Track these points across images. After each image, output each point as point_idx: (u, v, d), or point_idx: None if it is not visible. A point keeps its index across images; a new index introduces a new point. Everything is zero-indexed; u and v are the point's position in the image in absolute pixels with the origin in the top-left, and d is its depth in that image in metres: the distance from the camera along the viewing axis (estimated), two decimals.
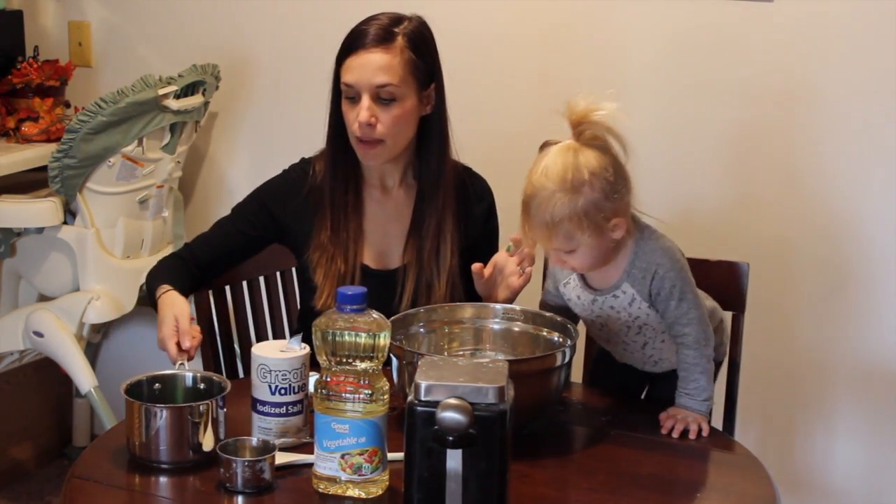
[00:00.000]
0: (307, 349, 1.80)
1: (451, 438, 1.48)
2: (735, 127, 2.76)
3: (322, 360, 1.66)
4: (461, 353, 2.06)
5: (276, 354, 1.79)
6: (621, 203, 1.89)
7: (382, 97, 2.11)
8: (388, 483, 1.68)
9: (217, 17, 3.23)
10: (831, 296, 2.74)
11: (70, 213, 2.93)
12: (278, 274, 2.48)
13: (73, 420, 3.49)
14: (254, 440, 1.74)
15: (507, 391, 1.53)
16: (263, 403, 1.79)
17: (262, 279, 2.46)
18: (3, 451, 3.34)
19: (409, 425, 1.52)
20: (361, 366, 1.64)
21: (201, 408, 1.74)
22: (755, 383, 2.57)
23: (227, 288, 2.39)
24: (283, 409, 1.78)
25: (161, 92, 2.86)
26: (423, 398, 1.51)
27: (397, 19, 2.14)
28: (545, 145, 1.92)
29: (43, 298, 3.09)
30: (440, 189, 2.21)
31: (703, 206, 2.81)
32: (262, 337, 2.44)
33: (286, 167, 2.28)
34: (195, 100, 3.00)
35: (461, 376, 1.53)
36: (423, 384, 1.51)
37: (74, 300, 2.95)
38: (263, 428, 1.79)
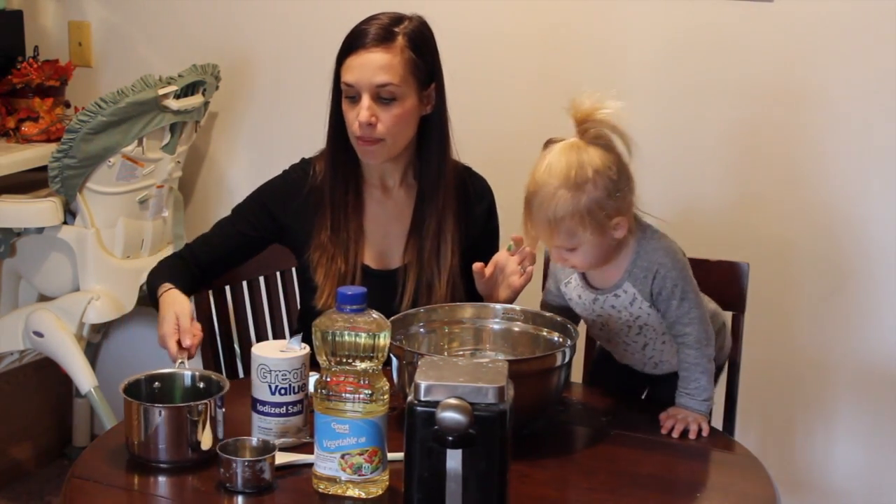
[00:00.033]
0: (307, 349, 1.80)
1: (451, 438, 1.48)
2: (735, 127, 2.76)
3: (322, 360, 1.66)
4: (461, 353, 2.06)
5: (276, 354, 1.79)
6: (624, 202, 1.90)
7: (383, 97, 2.11)
8: (388, 483, 1.68)
9: (217, 17, 3.23)
10: (831, 296, 2.74)
11: (70, 213, 2.93)
12: (278, 274, 2.48)
13: (73, 420, 3.49)
14: (254, 440, 1.74)
15: (507, 391, 1.53)
16: (263, 403, 1.79)
17: (262, 279, 2.46)
18: (3, 451, 3.34)
19: (409, 425, 1.52)
20: (361, 366, 1.64)
21: (200, 407, 1.74)
22: (755, 383, 2.56)
23: (227, 288, 2.39)
24: (283, 409, 1.78)
25: (161, 92, 2.86)
26: (423, 398, 1.51)
27: (398, 19, 2.14)
28: (549, 143, 1.93)
29: (43, 298, 3.09)
30: (440, 189, 2.21)
31: (703, 205, 2.81)
32: (262, 337, 2.44)
33: (286, 167, 2.28)
34: (195, 100, 3.00)
35: (461, 376, 1.53)
36: (423, 384, 1.51)
37: (74, 300, 2.95)
38: (263, 428, 1.79)
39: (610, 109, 1.87)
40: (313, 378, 1.75)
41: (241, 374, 2.39)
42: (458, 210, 2.24)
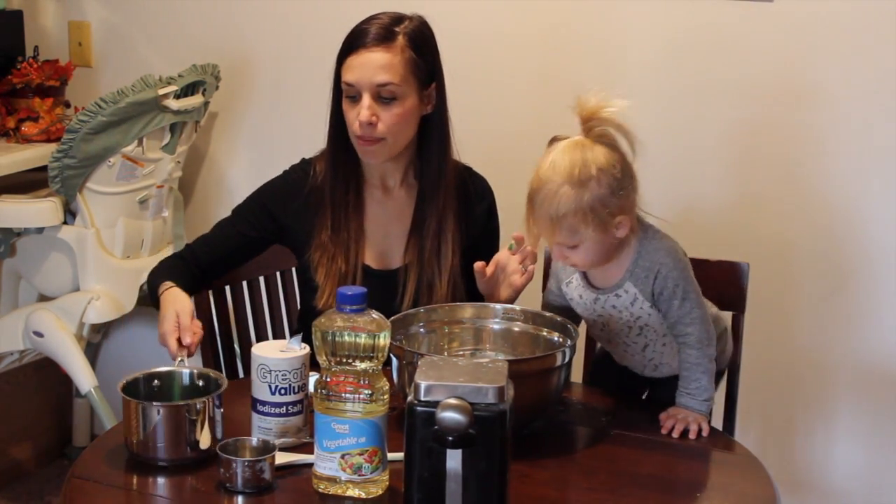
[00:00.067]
0: (307, 349, 1.80)
1: (451, 438, 1.48)
2: (735, 126, 2.76)
3: (322, 360, 1.66)
4: (461, 353, 2.06)
5: (276, 354, 1.79)
6: (627, 201, 1.90)
7: (383, 96, 2.11)
8: (388, 483, 1.68)
9: (217, 17, 3.23)
10: (832, 296, 2.74)
11: (70, 213, 2.93)
12: (278, 274, 2.48)
13: (73, 420, 3.49)
14: (254, 440, 1.74)
15: (507, 391, 1.53)
16: (263, 403, 1.79)
17: (262, 279, 2.46)
18: (3, 451, 3.34)
19: (409, 425, 1.52)
20: (361, 366, 1.64)
21: (198, 405, 1.74)
22: (755, 383, 2.57)
23: (227, 288, 2.39)
24: (283, 409, 1.78)
25: (161, 92, 2.86)
26: (423, 398, 1.51)
27: (398, 18, 2.14)
28: (554, 140, 1.93)
29: (43, 298, 3.09)
30: (441, 189, 2.21)
31: (703, 205, 2.81)
32: (262, 337, 2.44)
33: (286, 167, 2.28)
34: (195, 100, 3.00)
35: (461, 376, 1.53)
36: (423, 384, 1.51)
37: (74, 300, 2.95)
38: (263, 428, 1.79)
39: (615, 108, 1.88)
40: (313, 378, 1.75)
41: (241, 374, 2.39)
42: (459, 210, 2.24)
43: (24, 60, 3.15)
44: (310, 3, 3.11)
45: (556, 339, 1.99)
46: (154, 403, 1.74)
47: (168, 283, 2.13)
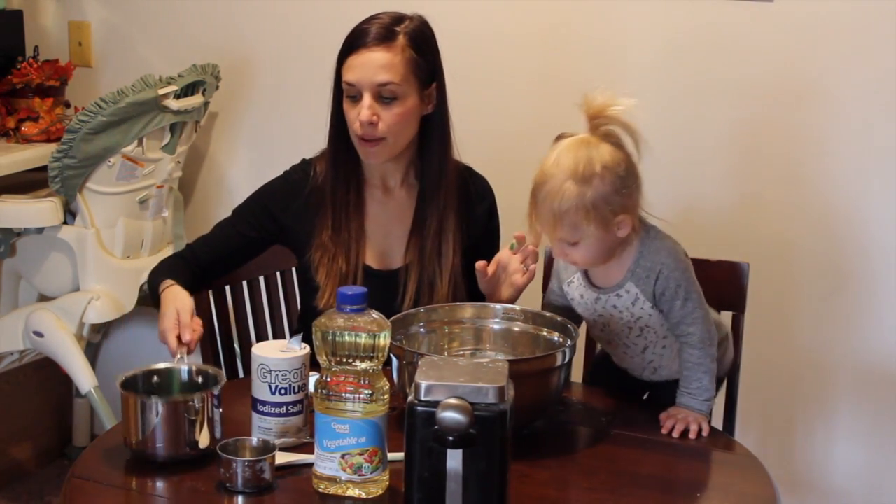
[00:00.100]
0: (307, 349, 1.80)
1: (451, 438, 1.48)
2: (735, 127, 2.76)
3: (322, 360, 1.66)
4: (461, 353, 2.06)
5: (276, 354, 1.79)
6: (630, 200, 1.90)
7: (384, 96, 2.11)
8: (388, 483, 1.68)
9: (217, 17, 3.23)
10: (832, 296, 2.74)
11: (70, 213, 2.93)
12: (278, 274, 2.48)
13: (73, 420, 3.49)
14: (254, 440, 1.74)
15: (507, 391, 1.53)
16: (263, 403, 1.79)
17: (262, 279, 2.46)
18: (3, 451, 3.34)
19: (409, 425, 1.52)
20: (361, 366, 1.64)
21: (196, 400, 1.74)
22: (755, 383, 2.56)
23: (227, 288, 2.39)
24: (283, 409, 1.78)
25: (161, 92, 2.86)
26: (423, 398, 1.51)
27: (399, 18, 2.14)
28: (560, 137, 1.94)
29: (43, 298, 3.09)
30: (442, 188, 2.21)
31: (703, 205, 2.81)
32: (262, 337, 2.44)
33: (286, 167, 2.28)
34: (195, 100, 3.00)
35: (461, 376, 1.53)
36: (423, 384, 1.51)
37: (74, 300, 2.95)
38: (263, 428, 1.79)
39: (622, 106, 1.89)
40: (313, 378, 1.75)
41: (241, 374, 2.39)
42: (460, 210, 2.24)
43: (24, 60, 3.15)
44: (310, 3, 3.11)
45: (556, 339, 1.99)
46: (152, 397, 1.74)
47: (169, 281, 2.13)
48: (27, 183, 2.99)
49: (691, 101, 2.78)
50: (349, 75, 2.12)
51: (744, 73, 2.72)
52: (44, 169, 2.88)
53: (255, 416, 1.80)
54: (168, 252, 3.02)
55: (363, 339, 1.63)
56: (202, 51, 3.17)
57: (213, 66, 3.08)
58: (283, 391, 1.78)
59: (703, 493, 1.79)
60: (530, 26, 2.89)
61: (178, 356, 1.94)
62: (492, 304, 2.09)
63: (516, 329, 2.05)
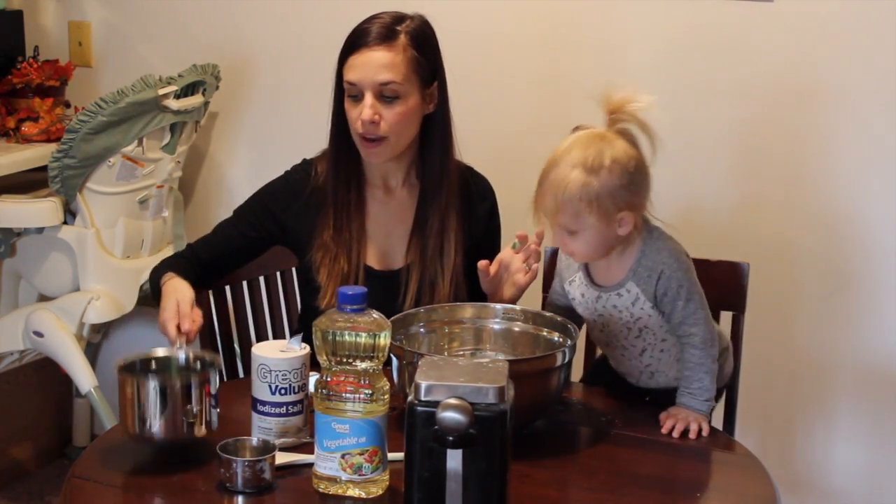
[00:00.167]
0: (307, 349, 1.80)
1: (451, 438, 1.48)
2: (735, 127, 2.76)
3: (322, 360, 1.66)
4: (461, 353, 2.06)
5: (276, 354, 1.79)
6: (635, 198, 1.91)
7: (386, 95, 2.11)
8: (388, 483, 1.68)
9: (217, 17, 3.23)
10: (832, 296, 2.74)
11: (70, 213, 2.93)
12: (278, 274, 2.48)
13: (73, 420, 3.49)
14: (254, 440, 1.74)
15: (507, 391, 1.53)
16: (263, 403, 1.78)
17: (262, 279, 2.46)
18: (3, 451, 3.34)
19: (409, 425, 1.52)
20: (362, 366, 1.64)
21: (192, 381, 1.74)
22: (755, 383, 2.56)
23: (227, 288, 2.39)
24: (283, 409, 1.78)
25: (161, 92, 2.86)
26: (423, 398, 1.51)
27: (400, 18, 2.15)
28: (577, 129, 1.95)
29: (43, 298, 3.09)
30: (443, 188, 2.21)
31: (703, 205, 2.81)
32: (262, 337, 2.44)
33: (286, 167, 2.28)
34: (195, 100, 3.00)
35: (461, 376, 1.53)
36: (423, 384, 1.51)
37: (74, 300, 2.95)
38: (263, 428, 1.79)
39: (641, 104, 1.90)
40: (313, 378, 1.75)
41: (241, 374, 2.39)
42: (462, 209, 2.24)
43: (24, 60, 3.15)
44: (310, 3, 3.11)
45: (556, 339, 1.99)
46: (149, 377, 1.75)
47: (170, 275, 2.14)
48: (27, 183, 2.99)
49: (691, 101, 2.78)
50: (351, 75, 2.12)
51: (744, 72, 2.72)
52: (44, 169, 2.88)
53: (255, 416, 1.80)
54: (168, 252, 3.02)
55: (363, 339, 1.63)
56: (202, 51, 3.17)
57: (213, 66, 3.08)
58: (283, 391, 1.78)
59: (703, 493, 1.79)
60: (530, 26, 2.89)
61: (178, 345, 1.94)
62: (492, 304, 2.09)
63: (516, 329, 2.05)
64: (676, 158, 2.78)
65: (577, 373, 2.24)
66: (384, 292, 2.13)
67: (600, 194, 1.87)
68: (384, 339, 1.65)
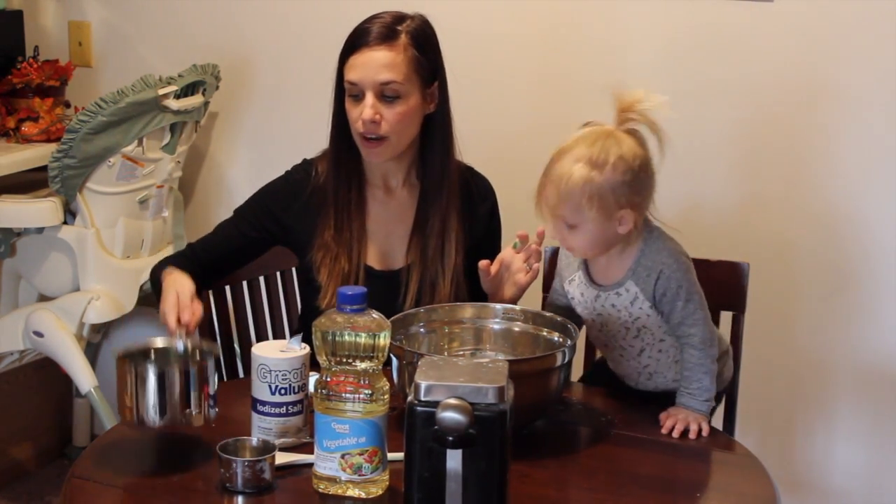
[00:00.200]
0: (307, 349, 1.80)
1: (451, 438, 1.48)
2: (735, 127, 2.76)
3: (322, 360, 1.66)
4: (461, 353, 2.06)
5: (276, 354, 1.79)
6: (637, 197, 1.91)
7: (386, 94, 2.11)
8: (388, 483, 1.68)
9: (217, 17, 3.23)
10: (832, 296, 2.74)
11: (70, 213, 2.93)
12: (278, 274, 2.48)
13: (73, 420, 3.49)
14: (254, 440, 1.74)
15: (507, 391, 1.53)
16: (263, 403, 1.78)
17: (262, 279, 2.46)
18: (3, 451, 3.34)
19: (409, 425, 1.52)
20: (361, 366, 1.64)
21: (190, 367, 1.74)
22: (755, 383, 2.56)
23: (227, 288, 2.39)
24: (283, 409, 1.78)
25: (161, 92, 2.86)
26: (423, 398, 1.51)
27: (400, 17, 2.15)
28: (587, 125, 1.96)
29: (43, 298, 3.09)
30: (444, 188, 2.21)
31: (703, 205, 2.81)
32: (262, 337, 2.44)
33: (287, 167, 2.28)
34: (195, 100, 3.00)
35: (461, 376, 1.53)
36: (423, 384, 1.51)
37: (74, 300, 2.95)
38: (263, 428, 1.79)
39: (652, 104, 1.91)
40: (313, 378, 1.75)
41: (241, 374, 2.39)
42: (462, 209, 2.24)
43: (24, 60, 3.15)
44: (310, 3, 3.11)
45: (556, 339, 1.99)
46: (148, 363, 1.75)
47: (171, 268, 2.14)
48: (27, 183, 2.99)
49: (691, 101, 2.78)
50: (351, 74, 2.12)
51: (744, 73, 2.72)
52: (44, 169, 2.88)
53: (255, 416, 1.80)
54: (168, 252, 3.02)
55: (363, 339, 1.63)
56: (202, 51, 3.17)
57: (213, 66, 3.08)
58: (283, 391, 1.78)
59: (703, 493, 1.79)
60: (530, 26, 2.89)
61: (177, 336, 1.94)
62: (492, 304, 2.09)
63: (516, 329, 2.05)
64: (676, 158, 2.78)
65: (577, 373, 2.24)
66: (385, 292, 2.13)
67: (602, 189, 1.88)
68: (384, 340, 1.65)
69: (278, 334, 2.48)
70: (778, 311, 2.77)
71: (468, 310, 2.08)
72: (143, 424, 1.75)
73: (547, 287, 2.28)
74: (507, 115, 2.94)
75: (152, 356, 1.84)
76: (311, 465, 1.69)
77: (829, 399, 2.79)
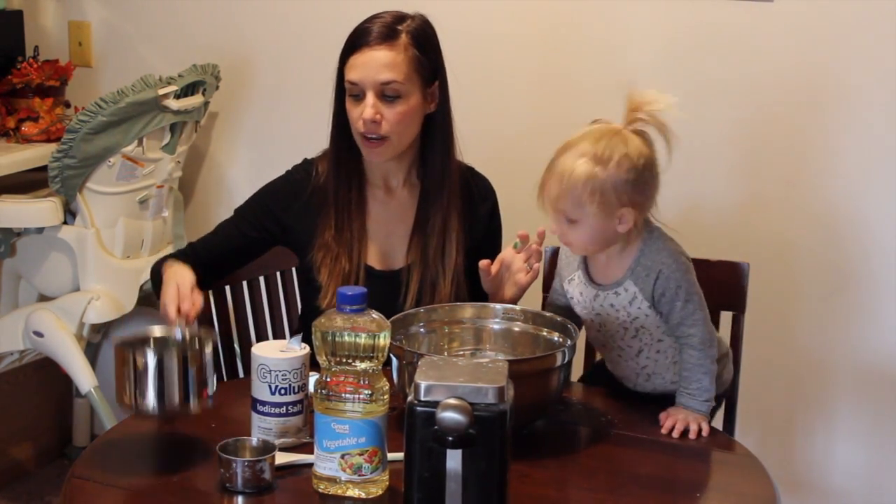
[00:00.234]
0: (307, 349, 1.80)
1: (450, 438, 1.48)
2: (735, 127, 2.76)
3: (322, 360, 1.66)
4: (461, 353, 2.06)
5: (276, 354, 1.79)
6: (639, 196, 1.91)
7: (387, 94, 2.11)
8: (388, 483, 1.68)
9: (217, 17, 3.23)
10: (832, 296, 2.74)
11: (70, 213, 2.93)
12: (278, 274, 2.48)
13: (73, 420, 3.49)
14: (254, 440, 1.74)
15: (507, 391, 1.53)
16: (263, 403, 1.78)
17: (262, 279, 2.46)
18: (3, 451, 3.34)
19: (409, 425, 1.52)
20: (361, 366, 1.64)
21: (188, 354, 1.74)
22: (755, 383, 2.56)
23: (227, 288, 2.39)
24: (283, 409, 1.78)
25: (161, 92, 2.86)
26: (423, 398, 1.51)
27: (401, 17, 2.15)
28: (595, 123, 1.97)
29: (43, 298, 3.09)
30: (445, 188, 2.21)
31: (703, 205, 2.81)
32: (262, 337, 2.44)
33: (287, 167, 2.28)
34: (195, 100, 3.00)
35: (461, 376, 1.53)
36: (423, 384, 1.51)
37: (74, 300, 2.95)
38: (263, 428, 1.79)
39: (661, 105, 1.91)
40: (313, 378, 1.75)
41: (241, 374, 2.39)
42: (463, 209, 2.24)
43: (24, 60, 3.15)
44: (310, 3, 3.11)
45: (556, 339, 1.99)
46: (146, 350, 1.75)
47: (171, 262, 2.14)
48: (27, 183, 2.99)
49: (691, 101, 2.75)
50: (352, 74, 2.12)
51: (744, 73, 2.72)
52: (44, 169, 2.88)
53: (254, 416, 1.80)
54: (168, 252, 3.01)
55: (363, 339, 1.63)
56: (202, 51, 3.17)
57: (213, 66, 3.08)
58: (282, 391, 1.78)
59: (703, 493, 1.79)
60: (530, 26, 2.89)
61: (176, 326, 1.94)
62: (491, 304, 2.09)
63: (516, 329, 2.05)
64: (676, 158, 2.79)
65: (577, 373, 2.24)
66: (385, 292, 2.13)
67: (604, 186, 1.88)
68: (384, 340, 1.65)
69: (278, 334, 2.48)
70: (778, 311, 2.77)
71: (468, 310, 2.08)
72: (141, 411, 1.75)
73: (547, 287, 2.28)
74: (507, 115, 2.94)
75: (151, 344, 1.84)
76: (310, 465, 1.69)
77: (829, 399, 2.79)
